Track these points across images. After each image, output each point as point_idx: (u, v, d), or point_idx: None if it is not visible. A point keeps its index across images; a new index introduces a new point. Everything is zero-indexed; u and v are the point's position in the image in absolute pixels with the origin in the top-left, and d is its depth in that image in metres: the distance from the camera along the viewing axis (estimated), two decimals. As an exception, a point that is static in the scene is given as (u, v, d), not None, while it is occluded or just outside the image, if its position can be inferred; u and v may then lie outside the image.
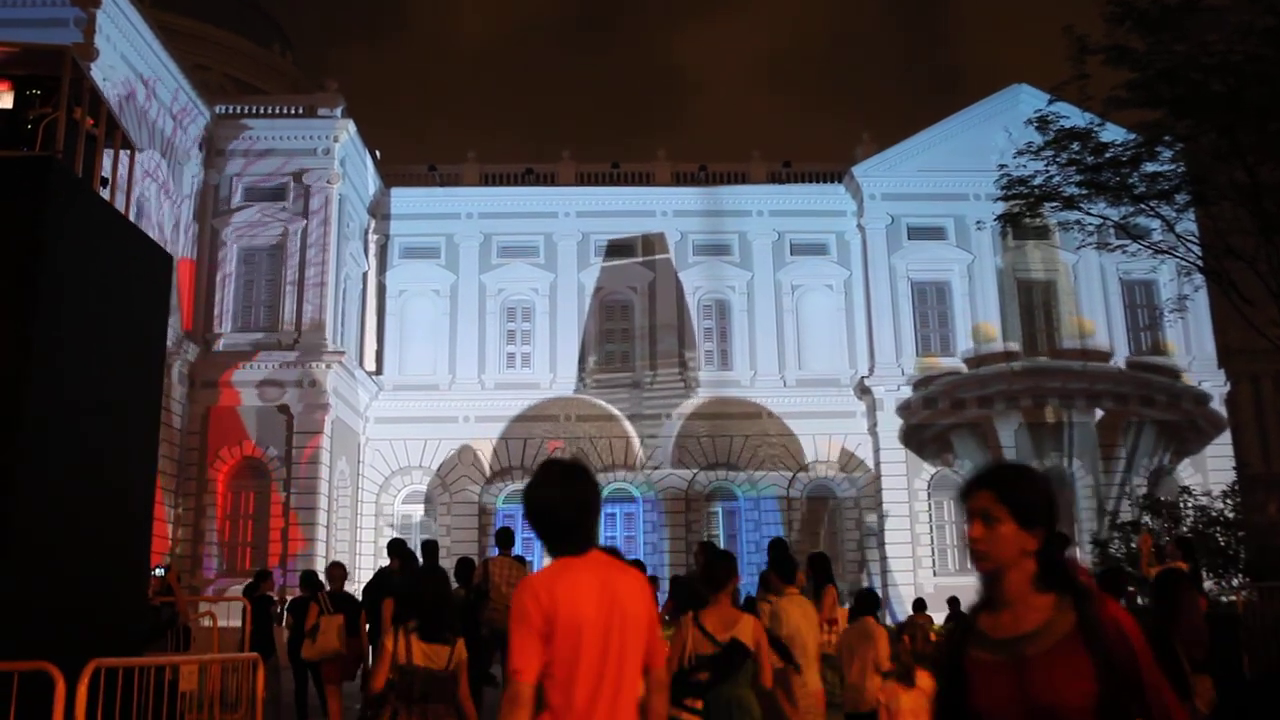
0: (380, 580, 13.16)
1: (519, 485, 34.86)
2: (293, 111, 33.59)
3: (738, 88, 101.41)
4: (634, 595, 3.67)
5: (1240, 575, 22.12)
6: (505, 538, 13.49)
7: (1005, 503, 3.05)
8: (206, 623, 14.08)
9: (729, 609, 6.87)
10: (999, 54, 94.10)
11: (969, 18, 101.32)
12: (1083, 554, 28.17)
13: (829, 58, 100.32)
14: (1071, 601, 2.97)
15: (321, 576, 13.33)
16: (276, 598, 16.96)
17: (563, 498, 3.74)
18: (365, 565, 30.85)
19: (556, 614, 3.50)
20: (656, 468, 34.84)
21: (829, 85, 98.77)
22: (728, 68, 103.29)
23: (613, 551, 4.83)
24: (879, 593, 29.56)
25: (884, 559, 32.93)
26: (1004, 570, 3.04)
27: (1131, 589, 14.02)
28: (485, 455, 34.98)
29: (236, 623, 13.94)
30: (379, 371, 35.73)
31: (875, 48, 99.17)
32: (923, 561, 32.47)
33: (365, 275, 36.29)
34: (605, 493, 34.23)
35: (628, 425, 35.12)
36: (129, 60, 27.39)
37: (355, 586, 18.38)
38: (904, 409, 34.11)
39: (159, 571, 15.16)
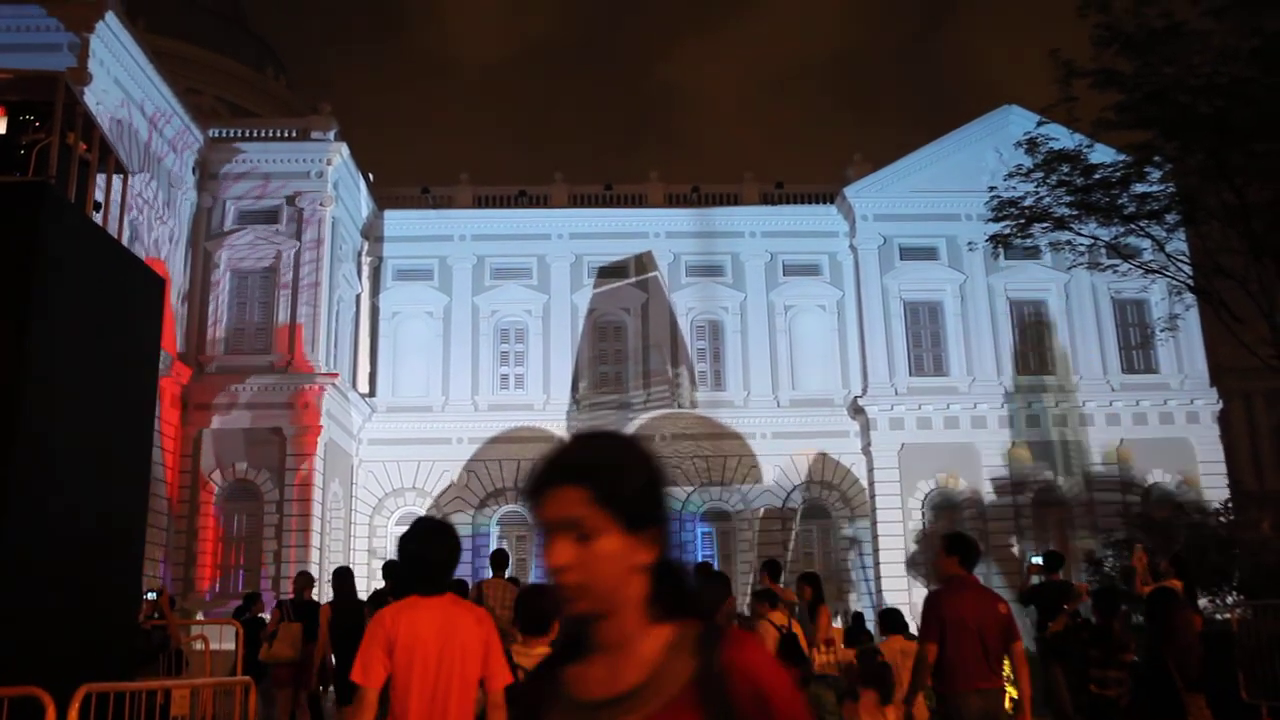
0: (376, 603, 13.12)
1: (513, 507, 34.85)
2: (286, 135, 33.70)
3: (732, 108, 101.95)
4: (469, 629, 4.59)
5: (1235, 593, 22.11)
6: (499, 560, 13.47)
7: (605, 502, 1.98)
8: (199, 646, 14.01)
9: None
10: (995, 73, 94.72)
11: (966, 38, 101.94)
12: (1077, 573, 28.16)
13: (826, 78, 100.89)
14: (695, 637, 2.01)
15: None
16: (269, 619, 16.89)
17: (421, 552, 4.71)
18: (359, 588, 30.66)
19: (397, 638, 4.49)
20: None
21: (824, 106, 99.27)
22: (723, 88, 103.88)
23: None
24: (872, 612, 29.56)
25: (878, 578, 32.92)
26: (609, 604, 2.01)
27: (1125, 607, 14.03)
28: (479, 477, 34.93)
29: (229, 645, 13.89)
30: (372, 393, 35.71)
31: (872, 68, 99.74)
32: (917, 581, 32.45)
33: (358, 297, 36.31)
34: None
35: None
36: (122, 84, 27.47)
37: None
38: (897, 428, 34.21)
39: (150, 595, 15.10)
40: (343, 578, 12.70)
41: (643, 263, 36.86)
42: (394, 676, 4.46)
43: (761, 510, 34.78)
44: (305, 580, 13.26)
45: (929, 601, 7.12)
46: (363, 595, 14.17)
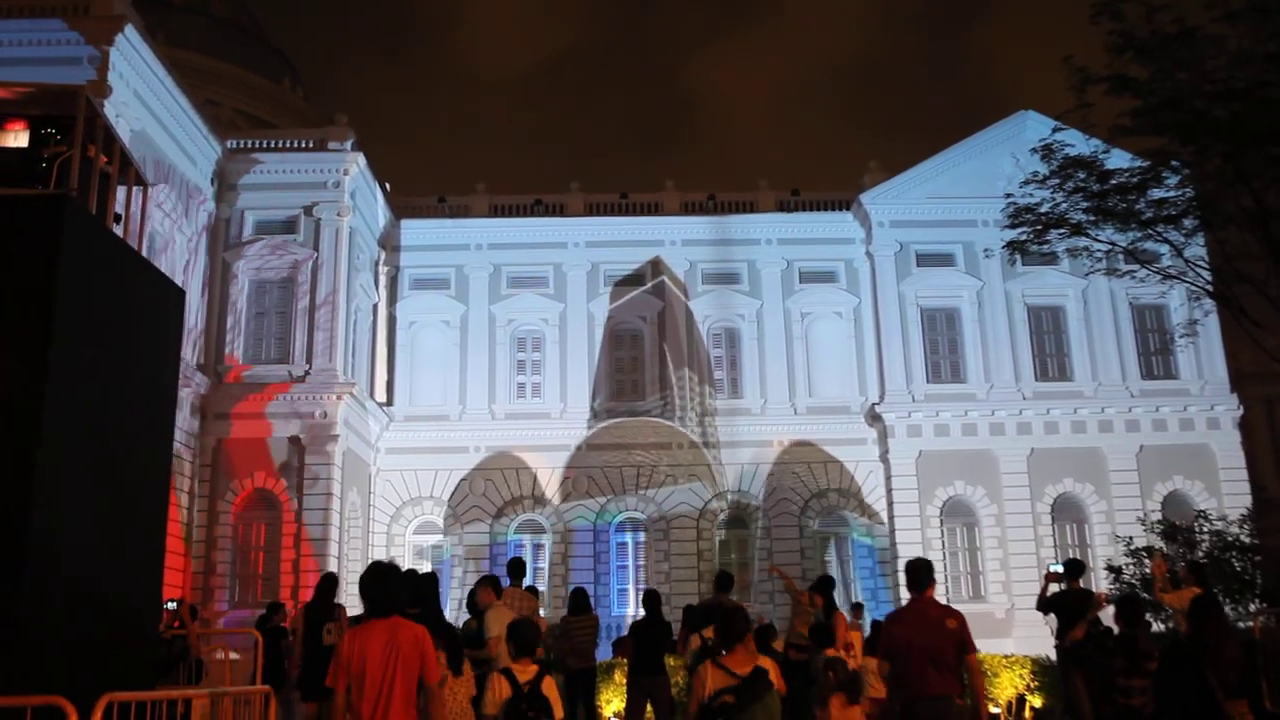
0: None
1: (530, 515, 34.92)
2: (303, 145, 33.87)
3: (750, 116, 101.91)
4: (409, 643, 6.38)
5: (1257, 600, 21.93)
6: (517, 568, 13.47)
7: None
8: (219, 655, 14.07)
9: (749, 653, 7.03)
10: (1014, 79, 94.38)
11: (985, 45, 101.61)
12: (1097, 580, 28.00)
13: (844, 85, 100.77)
14: None
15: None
16: (291, 629, 16.95)
17: (370, 590, 6.57)
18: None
19: (353, 653, 6.32)
20: (670, 494, 34.82)
21: (841, 113, 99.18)
22: (742, 96, 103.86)
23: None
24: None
25: (896, 586, 32.79)
26: None
27: (1147, 616, 13.93)
28: (496, 485, 34.99)
29: (249, 655, 13.92)
30: (389, 402, 35.82)
31: (890, 75, 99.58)
32: (935, 588, 32.28)
33: (375, 307, 36.46)
34: (615, 520, 34.48)
35: (639, 454, 35.12)
36: (141, 97, 27.68)
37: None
38: (915, 435, 34.14)
39: (171, 605, 15.17)
40: (326, 583, 12.85)
41: (659, 271, 36.91)
42: (352, 680, 6.30)
43: (777, 518, 34.68)
44: (330, 583, 13.26)
45: (882, 624, 8.35)
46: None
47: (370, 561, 6.67)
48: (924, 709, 7.63)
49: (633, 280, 36.85)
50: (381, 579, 6.63)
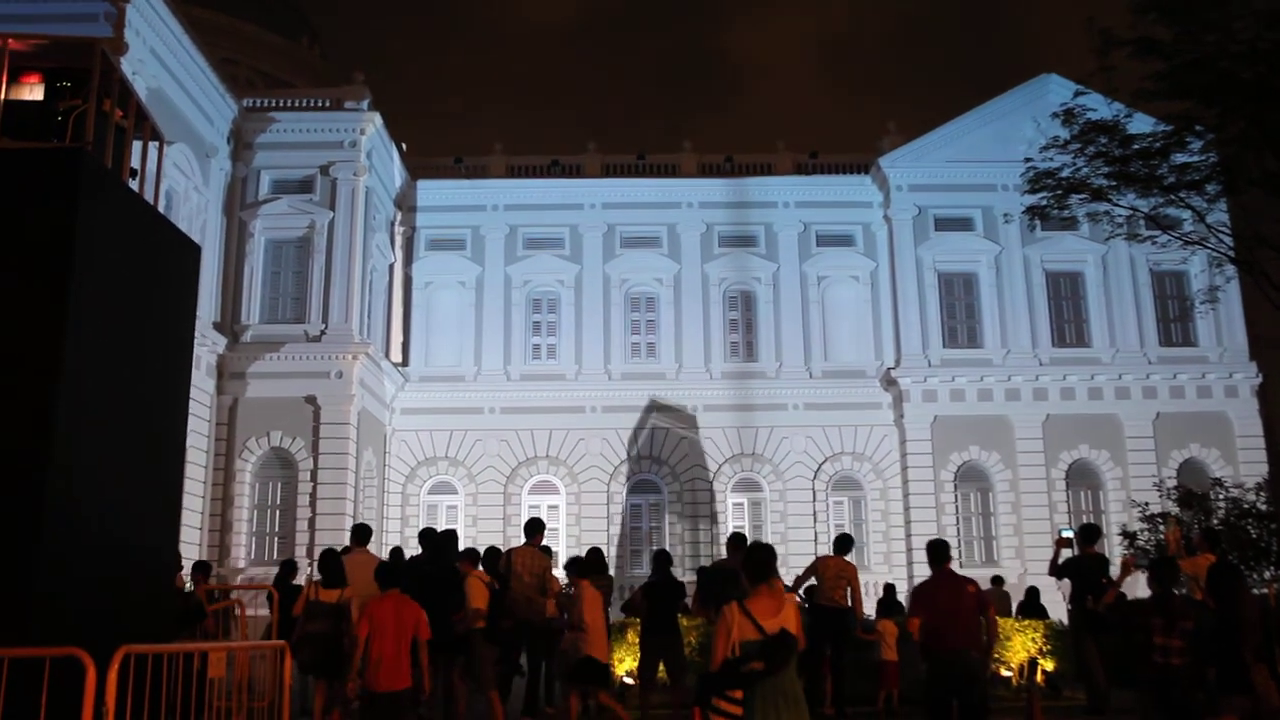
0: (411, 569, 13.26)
1: (546, 476, 35.03)
2: (319, 105, 33.77)
3: (771, 78, 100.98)
4: (407, 608, 9.30)
5: (1273, 568, 21.93)
6: (533, 527, 13.53)
7: None
8: (236, 612, 14.18)
9: (773, 596, 6.84)
10: (1044, 40, 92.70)
11: (1011, 5, 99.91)
12: (1111, 546, 27.99)
13: (869, 47, 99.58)
14: None
15: None
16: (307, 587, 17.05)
17: (381, 576, 9.71)
18: (391, 555, 30.95)
19: (372, 615, 9.16)
20: (683, 457, 34.88)
21: (865, 75, 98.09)
22: (764, 58, 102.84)
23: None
24: (906, 584, 29.53)
25: (910, 550, 32.86)
26: None
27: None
28: (511, 446, 35.10)
29: (264, 612, 14.04)
30: (405, 363, 35.91)
31: (921, 34, 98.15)
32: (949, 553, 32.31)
33: (391, 267, 36.46)
34: (631, 484, 34.55)
35: (654, 416, 35.15)
36: (158, 54, 27.58)
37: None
38: (930, 400, 34.07)
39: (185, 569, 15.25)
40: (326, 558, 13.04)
41: (676, 233, 36.77)
42: (370, 635, 9.10)
43: (791, 481, 34.75)
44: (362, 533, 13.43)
45: (914, 591, 10.50)
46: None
47: (380, 563, 10.74)
48: (949, 657, 9.29)
49: (649, 242, 36.74)
50: (390, 569, 9.99)
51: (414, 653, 9.20)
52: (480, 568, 12.48)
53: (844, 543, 14.35)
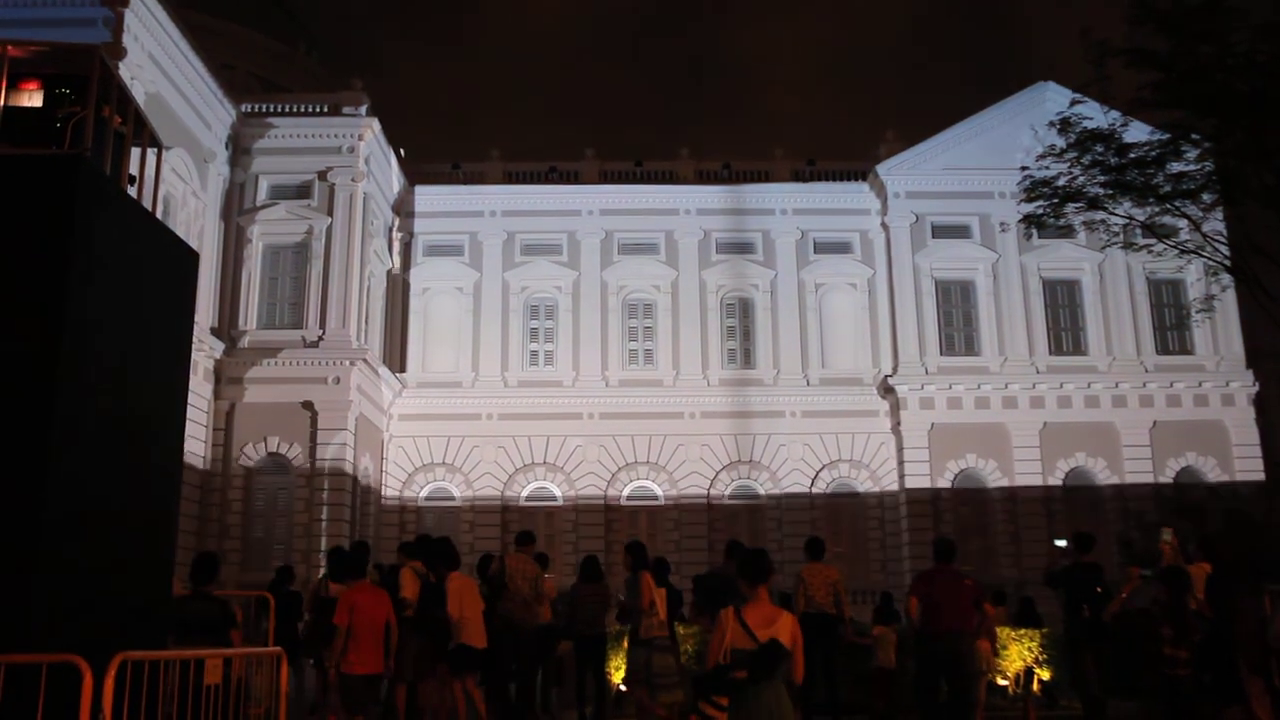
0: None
1: (542, 482, 35.02)
2: (317, 110, 33.80)
3: (769, 86, 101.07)
4: (381, 600, 10.42)
5: (1270, 578, 21.92)
6: (526, 535, 13.58)
7: None
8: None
9: (769, 605, 6.85)
10: (1042, 49, 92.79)
11: (1012, 13, 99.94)
12: (1107, 554, 27.99)
13: (868, 55, 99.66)
14: None
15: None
16: (306, 595, 17.01)
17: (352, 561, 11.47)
18: (384, 561, 30.93)
19: (353, 605, 10.16)
20: (681, 464, 34.88)
21: (863, 83, 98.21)
22: (762, 66, 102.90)
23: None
24: (900, 592, 29.49)
25: (906, 558, 32.86)
26: None
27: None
28: (508, 452, 35.10)
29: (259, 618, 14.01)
30: (402, 369, 35.90)
31: (920, 44, 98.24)
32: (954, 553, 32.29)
33: (389, 273, 36.47)
34: (628, 491, 34.54)
35: (650, 423, 35.14)
36: (156, 59, 27.60)
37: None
38: (928, 407, 34.08)
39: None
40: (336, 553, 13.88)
41: (673, 240, 36.81)
42: (352, 625, 10.05)
43: (788, 489, 34.76)
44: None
45: (915, 576, 11.52)
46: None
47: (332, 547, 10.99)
48: (945, 638, 10.09)
49: (647, 248, 36.77)
50: (359, 557, 11.59)
51: (385, 638, 10.35)
52: (455, 569, 12.23)
53: (818, 547, 14.26)
